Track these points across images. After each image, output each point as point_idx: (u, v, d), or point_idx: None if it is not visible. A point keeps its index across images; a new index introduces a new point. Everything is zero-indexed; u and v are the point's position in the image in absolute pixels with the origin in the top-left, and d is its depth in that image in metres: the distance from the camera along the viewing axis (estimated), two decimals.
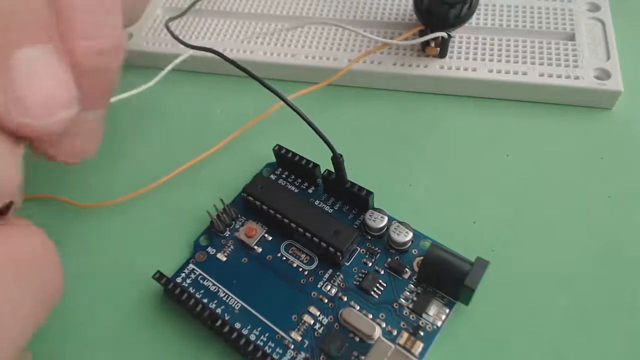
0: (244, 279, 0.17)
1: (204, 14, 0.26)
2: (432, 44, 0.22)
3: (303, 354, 0.15)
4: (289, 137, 0.20)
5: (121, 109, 0.24)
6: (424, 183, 0.20)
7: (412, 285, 0.16)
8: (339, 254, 0.17)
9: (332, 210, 0.19)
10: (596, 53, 0.22)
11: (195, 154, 0.21)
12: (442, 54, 0.22)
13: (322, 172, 0.18)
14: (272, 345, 0.16)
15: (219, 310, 0.17)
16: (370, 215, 0.18)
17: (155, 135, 0.23)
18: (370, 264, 0.17)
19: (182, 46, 0.20)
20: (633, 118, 0.21)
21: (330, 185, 0.19)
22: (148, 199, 0.20)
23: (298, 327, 0.16)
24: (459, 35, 0.23)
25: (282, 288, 0.17)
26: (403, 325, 0.16)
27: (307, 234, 0.17)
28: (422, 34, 0.21)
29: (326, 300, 0.16)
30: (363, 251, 0.17)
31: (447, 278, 0.15)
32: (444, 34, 0.21)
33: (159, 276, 0.17)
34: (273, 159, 0.20)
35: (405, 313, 0.16)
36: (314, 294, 0.17)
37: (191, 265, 0.18)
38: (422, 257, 0.17)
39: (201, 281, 0.17)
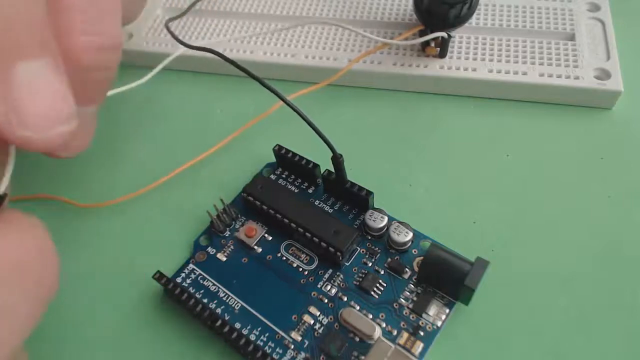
0: (244, 279, 0.17)
1: (204, 14, 0.26)
2: (432, 44, 0.22)
3: (303, 354, 0.15)
4: (289, 137, 0.20)
5: (121, 109, 0.24)
6: (424, 183, 0.20)
7: (412, 285, 0.16)
8: (339, 254, 0.17)
9: (332, 210, 0.19)
10: (596, 53, 0.22)
11: (195, 154, 0.21)
12: (442, 54, 0.22)
13: (322, 172, 0.18)
14: (272, 345, 0.16)
15: (219, 310, 0.17)
16: (370, 215, 0.18)
17: (155, 135, 0.23)
18: (370, 264, 0.17)
19: (181, 45, 0.20)
20: (633, 118, 0.21)
21: (330, 185, 0.19)
22: (148, 199, 0.20)
23: (298, 327, 0.16)
24: (459, 35, 0.23)
25: (282, 288, 0.17)
26: (403, 325, 0.16)
27: (307, 234, 0.17)
28: (422, 34, 0.21)
29: (326, 300, 0.16)
30: (363, 251, 0.17)
31: (447, 278, 0.15)
32: (444, 34, 0.21)
33: (159, 276, 0.17)
34: (273, 159, 0.20)
35: (405, 313, 0.16)
36: (314, 294, 0.17)
37: (191, 265, 0.18)
38: (422, 257, 0.17)
39: (201, 281, 0.17)
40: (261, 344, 0.16)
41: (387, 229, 0.17)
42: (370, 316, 0.16)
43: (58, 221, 0.20)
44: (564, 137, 0.20)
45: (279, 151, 0.19)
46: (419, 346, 0.15)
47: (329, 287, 0.17)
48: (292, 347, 0.16)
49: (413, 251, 0.17)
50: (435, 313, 0.16)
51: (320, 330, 0.16)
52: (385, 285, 0.17)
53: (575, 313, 0.16)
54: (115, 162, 0.22)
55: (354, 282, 0.17)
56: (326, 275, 0.17)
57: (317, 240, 0.17)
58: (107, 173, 0.22)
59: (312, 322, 0.16)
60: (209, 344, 0.16)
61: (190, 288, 0.17)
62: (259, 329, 0.16)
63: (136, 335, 0.17)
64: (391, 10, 0.25)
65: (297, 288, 0.17)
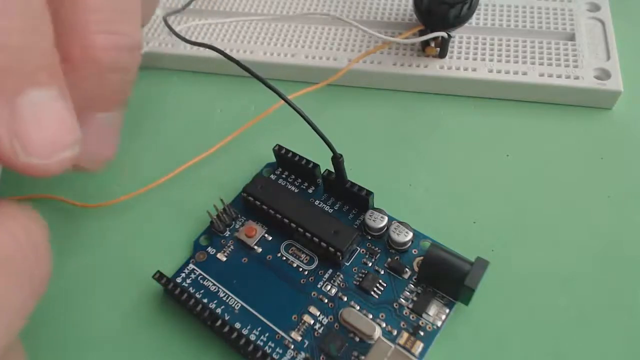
0: (244, 279, 0.17)
1: (204, 14, 0.26)
2: (432, 44, 0.22)
3: (303, 354, 0.15)
4: (289, 137, 0.20)
5: None
6: (424, 183, 0.20)
7: (412, 285, 0.16)
8: (339, 254, 0.17)
9: (332, 210, 0.19)
10: (596, 53, 0.22)
11: (195, 154, 0.21)
12: (442, 54, 0.22)
13: (322, 172, 0.18)
14: (272, 345, 0.16)
15: (219, 310, 0.17)
16: (370, 215, 0.18)
17: (155, 135, 0.23)
18: (370, 264, 0.17)
19: (181, 45, 0.20)
20: (633, 118, 0.21)
21: (330, 185, 0.19)
22: (148, 199, 0.20)
23: (298, 327, 0.16)
24: (459, 35, 0.23)
25: (282, 288, 0.17)
26: (403, 325, 0.16)
27: (307, 234, 0.17)
28: (422, 34, 0.21)
29: (326, 300, 0.16)
30: (363, 251, 0.17)
31: (447, 278, 0.15)
32: (444, 34, 0.21)
33: (159, 276, 0.17)
34: (273, 159, 0.20)
35: (405, 313, 0.16)
36: (314, 294, 0.17)
37: (191, 265, 0.18)
38: (422, 257, 0.17)
39: (201, 281, 0.17)
40: (261, 344, 0.16)
41: (387, 229, 0.17)
42: (370, 316, 0.16)
43: (58, 221, 0.20)
44: (564, 137, 0.20)
45: (279, 151, 0.19)
46: (419, 346, 0.15)
47: (329, 287, 0.17)
48: (292, 347, 0.16)
49: (413, 251, 0.17)
50: (435, 313, 0.16)
51: (320, 330, 0.16)
52: (385, 285, 0.17)
53: (575, 313, 0.16)
54: (115, 162, 0.22)
55: (354, 282, 0.17)
56: (326, 275, 0.17)
57: (317, 240, 0.17)
58: (107, 173, 0.22)
59: (312, 322, 0.16)
60: (209, 344, 0.16)
61: (190, 288, 0.17)
62: (259, 329, 0.16)
63: (136, 335, 0.17)
64: (391, 10, 0.25)
65: (297, 288, 0.17)
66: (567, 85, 0.21)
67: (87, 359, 0.17)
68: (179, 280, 0.17)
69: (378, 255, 0.17)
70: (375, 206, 0.18)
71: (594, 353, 0.15)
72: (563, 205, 0.18)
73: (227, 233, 0.19)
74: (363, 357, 0.15)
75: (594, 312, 0.16)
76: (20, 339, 0.13)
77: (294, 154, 0.19)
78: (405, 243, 0.17)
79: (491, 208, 0.19)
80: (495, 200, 0.19)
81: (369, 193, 0.18)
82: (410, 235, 0.17)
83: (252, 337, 0.16)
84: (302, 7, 0.25)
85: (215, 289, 0.17)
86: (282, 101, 0.16)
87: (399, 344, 0.15)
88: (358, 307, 0.16)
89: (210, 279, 0.17)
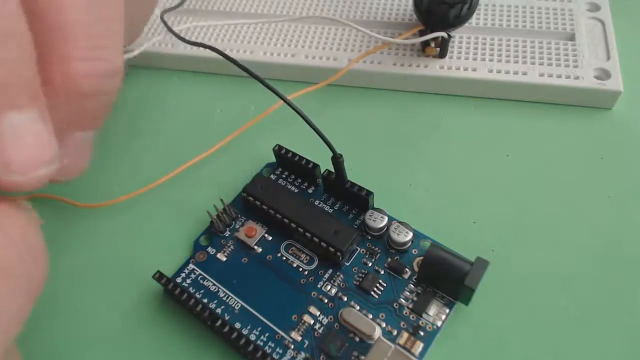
0: (244, 279, 0.17)
1: (203, 15, 0.26)
2: (432, 44, 0.22)
3: (303, 354, 0.15)
4: (289, 137, 0.20)
5: (121, 109, 0.24)
6: (424, 183, 0.20)
7: (412, 285, 0.16)
8: (339, 254, 0.17)
9: (332, 210, 0.19)
10: (596, 53, 0.22)
11: (195, 154, 0.21)
12: (442, 54, 0.22)
13: (322, 172, 0.18)
14: (272, 345, 0.16)
15: (219, 310, 0.17)
16: (370, 215, 0.18)
17: (155, 135, 0.23)
18: (370, 264, 0.17)
19: (181, 45, 0.20)
20: (633, 118, 0.21)
21: (330, 185, 0.19)
22: (148, 199, 0.20)
23: (298, 327, 0.16)
24: (459, 35, 0.23)
25: (282, 288, 0.17)
26: (403, 325, 0.16)
27: (307, 234, 0.17)
28: (422, 34, 0.21)
29: (326, 300, 0.16)
30: (363, 251, 0.17)
31: (447, 278, 0.15)
32: (444, 34, 0.21)
33: (159, 276, 0.17)
34: (273, 159, 0.20)
35: (405, 313, 0.16)
36: (314, 294, 0.17)
37: (191, 265, 0.18)
38: (422, 257, 0.17)
39: (201, 281, 0.17)
40: (261, 344, 0.16)
41: (387, 229, 0.17)
42: (370, 316, 0.16)
43: (58, 221, 0.20)
44: (564, 137, 0.20)
45: (279, 151, 0.19)
46: (419, 346, 0.15)
47: (329, 287, 0.17)
48: (292, 347, 0.16)
49: (413, 251, 0.17)
50: (435, 313, 0.16)
51: (320, 330, 0.16)
52: (385, 285, 0.17)
53: (575, 313, 0.16)
54: (115, 162, 0.22)
55: (354, 282, 0.17)
56: (326, 275, 0.17)
57: (317, 240, 0.17)
58: (107, 173, 0.22)
59: (312, 322, 0.16)
60: (209, 344, 0.16)
61: (190, 288, 0.17)
62: (259, 329, 0.16)
63: (136, 335, 0.17)
64: (391, 10, 0.25)
65: (297, 288, 0.17)
66: (567, 85, 0.21)
67: (87, 358, 0.17)
68: (179, 280, 0.17)
69: (378, 255, 0.17)
70: (375, 206, 0.18)
71: (594, 353, 0.15)
72: (563, 205, 0.18)
73: (227, 233, 0.19)
74: (363, 357, 0.15)
75: (594, 312, 0.16)
76: (20, 340, 0.13)
77: (294, 154, 0.19)
78: (405, 243, 0.17)
79: (491, 208, 0.19)
80: (495, 200, 0.19)
81: (369, 193, 0.18)
82: (410, 235, 0.17)
83: (252, 337, 0.16)
84: (302, 9, 0.25)
85: (215, 289, 0.17)
86: (282, 101, 0.16)
87: (399, 344, 0.15)
88: (358, 307, 0.16)
89: (210, 279, 0.17)
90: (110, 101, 0.14)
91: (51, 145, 0.12)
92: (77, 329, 0.17)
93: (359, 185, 0.18)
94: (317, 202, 0.19)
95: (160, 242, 0.19)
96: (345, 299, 0.16)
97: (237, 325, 0.16)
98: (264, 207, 0.18)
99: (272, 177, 0.20)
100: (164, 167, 0.21)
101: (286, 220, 0.17)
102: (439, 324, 0.16)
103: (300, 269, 0.17)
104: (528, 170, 0.20)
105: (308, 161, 0.19)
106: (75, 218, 0.20)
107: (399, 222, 0.17)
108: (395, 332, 0.16)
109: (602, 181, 0.19)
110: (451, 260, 0.16)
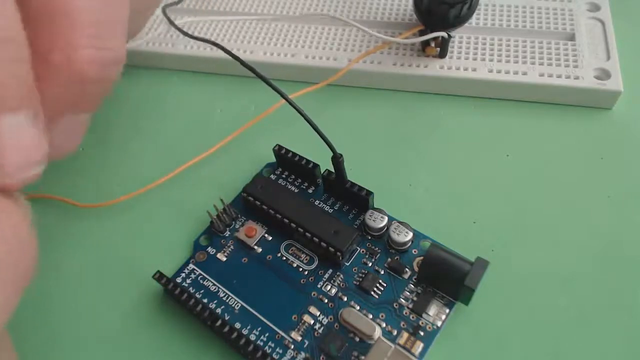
0: (244, 279, 0.17)
1: (203, 14, 0.26)
2: (432, 44, 0.22)
3: (303, 354, 0.15)
4: (289, 137, 0.20)
5: (121, 109, 0.24)
6: (424, 183, 0.20)
7: (412, 285, 0.16)
8: (339, 254, 0.17)
9: (332, 210, 0.19)
10: (596, 53, 0.22)
11: (195, 154, 0.21)
12: (442, 54, 0.22)
13: (322, 172, 0.18)
14: (272, 345, 0.16)
15: (219, 310, 0.17)
16: (370, 215, 0.18)
17: (155, 135, 0.23)
18: (370, 264, 0.17)
19: (181, 45, 0.20)
20: (633, 118, 0.21)
21: (330, 185, 0.19)
22: (148, 199, 0.20)
23: (298, 327, 0.16)
24: (459, 35, 0.23)
25: (282, 288, 0.17)
26: (403, 325, 0.16)
27: (307, 234, 0.17)
28: (422, 34, 0.21)
29: (326, 300, 0.16)
30: (363, 251, 0.17)
31: (447, 278, 0.15)
32: (444, 34, 0.21)
33: (159, 276, 0.17)
34: (273, 159, 0.20)
35: (405, 313, 0.16)
36: (314, 294, 0.17)
37: (191, 265, 0.18)
38: (422, 257, 0.17)
39: (201, 281, 0.17)
40: (261, 344, 0.16)
41: (387, 229, 0.17)
42: (370, 316, 0.16)
43: (58, 221, 0.20)
44: (564, 137, 0.20)
45: (279, 151, 0.19)
46: (419, 346, 0.15)
47: (329, 287, 0.17)
48: (292, 347, 0.16)
49: (413, 251, 0.17)
50: (435, 313, 0.16)
51: (320, 330, 0.16)
52: (385, 285, 0.17)
53: (575, 313, 0.16)
54: (115, 162, 0.22)
55: (354, 282, 0.17)
56: (326, 275, 0.17)
57: (317, 240, 0.17)
58: (107, 173, 0.22)
59: (312, 322, 0.16)
60: (209, 344, 0.16)
61: (190, 288, 0.17)
62: (259, 329, 0.16)
63: (136, 335, 0.17)
64: (391, 10, 0.25)
65: (297, 288, 0.17)
66: (567, 85, 0.21)
67: (87, 358, 0.17)
68: (179, 280, 0.17)
69: (378, 255, 0.17)
70: (375, 206, 0.18)
71: (594, 353, 0.15)
72: (563, 205, 0.18)
73: (227, 233, 0.19)
74: (363, 357, 0.15)
75: (594, 312, 0.16)
76: (20, 340, 0.13)
77: (294, 154, 0.19)
78: (405, 243, 0.17)
79: (491, 208, 0.19)
80: (495, 200, 0.19)
81: (369, 193, 0.18)
82: (410, 235, 0.17)
83: (252, 337, 0.16)
84: (302, 7, 0.25)
85: (215, 289, 0.17)
86: (282, 101, 0.16)
87: (399, 344, 0.15)
88: (358, 307, 0.16)
89: (210, 279, 0.17)
90: (109, 87, 0.14)
91: (42, 146, 0.12)
92: (77, 328, 0.17)
93: (359, 185, 0.18)
94: (317, 202, 0.19)
95: (160, 242, 0.19)
96: (345, 299, 0.16)
97: (237, 325, 0.16)
98: (264, 207, 0.18)
99: (272, 177, 0.20)
100: (164, 167, 0.21)
101: (286, 220, 0.17)
102: (439, 324, 0.16)
103: (300, 269, 0.17)
104: (528, 170, 0.20)
105: (308, 161, 0.19)
106: (76, 218, 0.20)
107: (399, 222, 0.17)
108: (395, 332, 0.16)
109: (602, 181, 0.19)
110: (451, 260, 0.16)
